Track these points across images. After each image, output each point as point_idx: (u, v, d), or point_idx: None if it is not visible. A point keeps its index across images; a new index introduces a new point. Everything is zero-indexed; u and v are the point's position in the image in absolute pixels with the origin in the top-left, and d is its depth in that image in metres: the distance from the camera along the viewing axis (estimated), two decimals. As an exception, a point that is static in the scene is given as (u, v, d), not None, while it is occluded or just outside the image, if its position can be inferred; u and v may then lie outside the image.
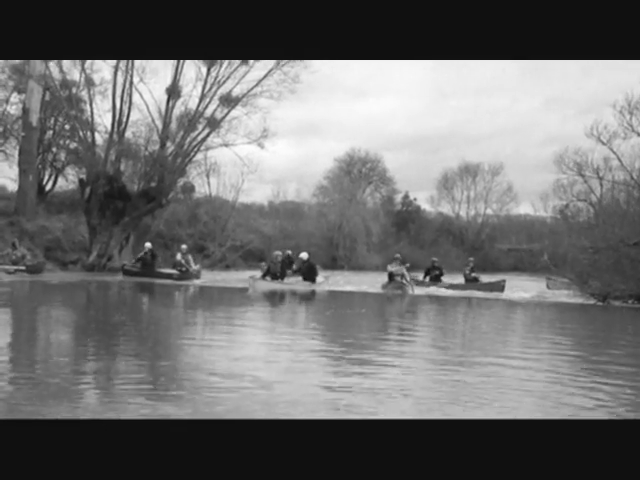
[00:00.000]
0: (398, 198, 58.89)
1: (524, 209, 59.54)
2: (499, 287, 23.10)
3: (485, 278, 25.22)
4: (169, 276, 22.98)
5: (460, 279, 25.09)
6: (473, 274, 24.68)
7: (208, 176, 42.19)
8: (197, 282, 22.97)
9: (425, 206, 60.44)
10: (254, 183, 61.82)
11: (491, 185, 59.11)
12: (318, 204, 53.69)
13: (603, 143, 21.44)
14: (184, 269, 23.39)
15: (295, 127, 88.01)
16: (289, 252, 26.85)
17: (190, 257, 23.97)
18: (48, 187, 35.92)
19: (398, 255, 22.94)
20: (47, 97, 30.87)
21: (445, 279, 24.98)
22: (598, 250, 18.69)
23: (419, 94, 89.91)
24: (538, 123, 79.02)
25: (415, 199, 58.66)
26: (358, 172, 59.02)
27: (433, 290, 22.53)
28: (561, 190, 48.37)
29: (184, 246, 24.13)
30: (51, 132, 34.48)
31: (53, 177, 36.11)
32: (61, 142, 34.09)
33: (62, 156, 34.98)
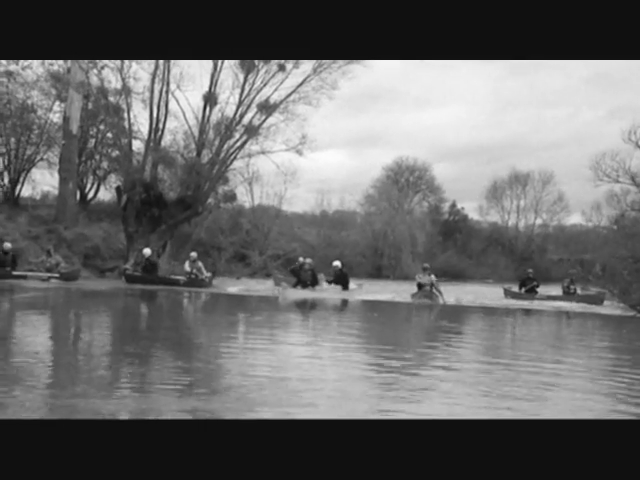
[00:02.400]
0: (445, 207, 58.22)
1: (576, 219, 58.56)
2: (598, 300, 21.78)
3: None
4: (176, 282, 22.67)
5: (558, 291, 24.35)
6: (572, 286, 23.80)
7: (250, 184, 42.04)
8: (210, 290, 22.74)
9: (474, 215, 59.69)
10: (300, 191, 61.69)
11: (541, 194, 58.05)
12: (364, 213, 53.34)
13: None
14: (193, 276, 23.01)
15: (354, 137, 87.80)
16: (302, 260, 26.69)
17: (201, 264, 23.56)
18: (90, 195, 36.23)
19: (427, 265, 22.36)
20: (90, 105, 31.19)
21: (540, 290, 24.30)
22: (638, 260, 17.93)
23: (482, 104, 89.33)
24: (601, 133, 77.51)
25: (462, 208, 57.90)
26: (406, 181, 58.55)
27: (528, 303, 21.74)
28: (614, 200, 47.33)
29: (193, 254, 23.72)
30: (93, 140, 34.79)
31: (95, 185, 36.42)
32: (103, 150, 34.31)
33: (104, 164, 35.22)
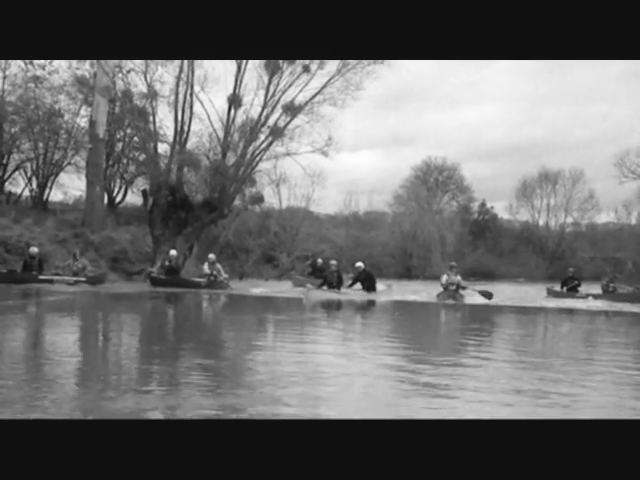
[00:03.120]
0: (475, 207, 57.92)
1: (608, 217, 57.96)
2: (636, 298, 21.51)
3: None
4: (197, 285, 22.56)
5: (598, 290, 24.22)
6: (612, 285, 23.64)
7: (278, 186, 42.07)
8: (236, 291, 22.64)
9: (504, 215, 59.31)
10: (332, 192, 61.63)
11: (572, 193, 57.48)
12: (393, 213, 53.22)
13: None
14: (212, 278, 22.93)
15: (388, 138, 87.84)
16: (320, 260, 26.66)
17: (219, 266, 23.48)
18: (118, 199, 36.46)
19: (453, 263, 22.06)
20: (116, 109, 31.37)
21: (582, 289, 24.35)
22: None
23: (516, 103, 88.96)
24: (635, 131, 76.70)
25: (492, 207, 57.55)
26: (435, 181, 58.35)
27: (570, 302, 21.34)
28: (646, 197, 46.69)
29: (212, 255, 23.56)
30: (120, 144, 35.00)
31: (123, 189, 36.65)
32: (130, 154, 34.51)
33: (132, 168, 35.43)
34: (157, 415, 4.80)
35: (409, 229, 49.52)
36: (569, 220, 58.81)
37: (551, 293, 24.33)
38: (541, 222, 59.54)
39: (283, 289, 23.34)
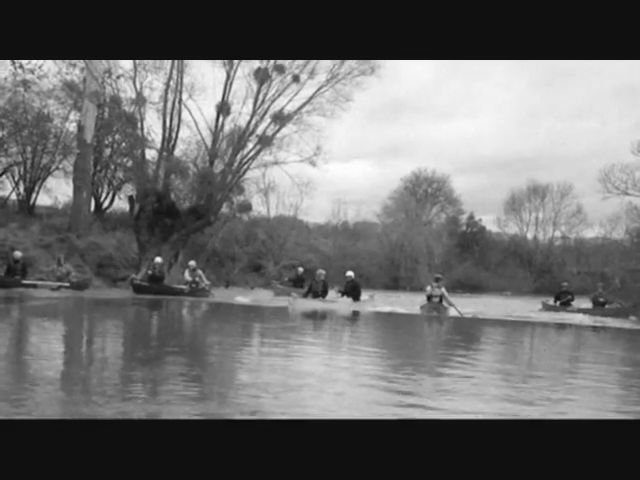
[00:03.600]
0: (463, 219, 58.02)
1: (595, 232, 58.11)
2: (624, 313, 21.62)
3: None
4: (180, 292, 22.53)
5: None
6: (601, 299, 23.73)
7: (266, 194, 42.06)
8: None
9: (492, 228, 59.45)
10: (323, 201, 61.68)
11: (560, 207, 57.69)
12: (380, 224, 53.26)
13: None
14: (194, 285, 22.90)
15: (380, 148, 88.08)
16: (301, 269, 26.66)
17: (200, 273, 23.49)
18: (106, 204, 36.35)
19: (439, 275, 22.06)
20: (105, 115, 31.30)
21: (575, 304, 24.51)
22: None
23: (508, 117, 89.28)
24: (625, 146, 76.99)
25: (480, 220, 57.66)
26: (424, 192, 58.42)
27: (561, 315, 21.59)
28: (634, 212, 46.80)
29: (192, 262, 23.61)
30: (109, 150, 34.92)
31: (110, 195, 36.55)
32: (118, 160, 34.42)
33: (119, 174, 35.34)
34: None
35: (397, 240, 49.54)
36: (557, 234, 59.01)
37: (545, 307, 24.55)
38: (529, 235, 59.74)
39: (268, 298, 23.31)
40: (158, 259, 23.36)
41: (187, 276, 23.01)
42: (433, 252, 49.56)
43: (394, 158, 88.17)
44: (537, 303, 26.91)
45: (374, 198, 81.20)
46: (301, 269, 26.82)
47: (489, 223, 59.98)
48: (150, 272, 23.02)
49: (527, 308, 24.85)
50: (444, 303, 20.42)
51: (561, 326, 18.20)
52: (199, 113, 26.21)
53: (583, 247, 58.02)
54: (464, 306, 21.28)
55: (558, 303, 24.44)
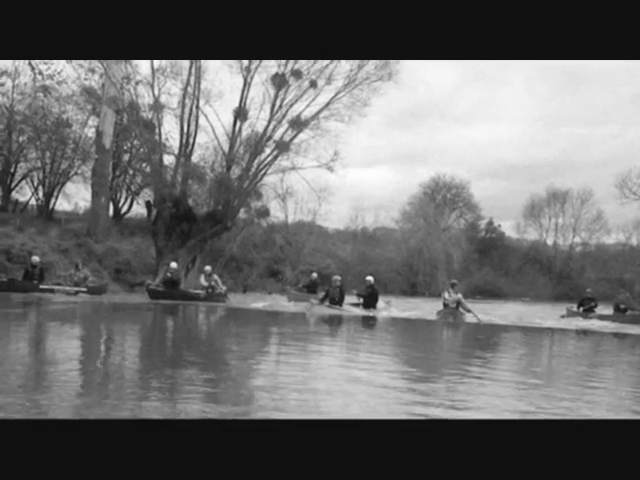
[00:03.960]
0: (482, 225, 57.73)
1: (615, 238, 57.71)
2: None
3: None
4: (196, 297, 22.47)
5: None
6: (622, 305, 23.49)
7: (284, 200, 42.07)
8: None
9: (511, 234, 59.14)
10: (344, 207, 61.70)
11: (580, 213, 57.27)
12: (399, 229, 53.09)
13: None
14: (210, 290, 22.85)
15: (402, 154, 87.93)
16: (315, 275, 26.54)
17: (216, 277, 23.43)
18: (124, 210, 36.52)
19: (455, 281, 21.92)
20: (124, 120, 31.47)
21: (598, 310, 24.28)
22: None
23: (529, 123, 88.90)
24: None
25: (499, 225, 57.37)
26: (443, 198, 58.21)
27: (581, 322, 21.43)
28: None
29: (208, 267, 23.56)
30: (127, 155, 35.11)
31: (129, 200, 36.72)
32: (136, 165, 34.58)
33: (138, 179, 35.51)
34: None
35: (415, 246, 49.38)
36: (577, 240, 58.59)
37: (569, 313, 24.30)
38: (549, 242, 59.39)
39: (283, 303, 23.25)
40: (173, 264, 23.37)
41: (203, 281, 22.99)
42: (452, 258, 49.31)
43: (414, 164, 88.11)
44: (557, 309, 26.77)
45: (394, 204, 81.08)
46: (315, 275, 26.70)
47: (508, 229, 59.73)
48: (166, 277, 23.03)
49: (549, 314, 24.75)
50: (460, 309, 20.28)
51: (581, 332, 18.05)
52: (216, 119, 26.28)
53: (603, 253, 57.58)
54: (483, 312, 21.15)
55: (581, 309, 24.18)
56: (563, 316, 23.74)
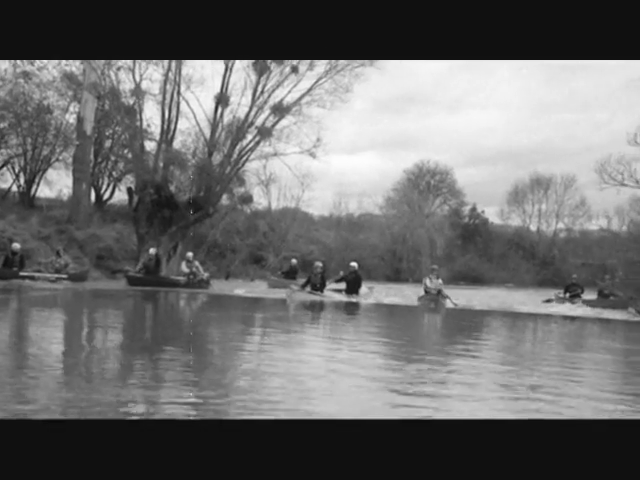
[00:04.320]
0: (466, 211, 57.82)
1: (598, 224, 57.92)
2: (621, 304, 21.37)
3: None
4: (176, 283, 22.41)
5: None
6: (606, 291, 23.67)
7: (267, 186, 42.01)
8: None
9: (496, 220, 59.28)
10: (325, 193, 61.62)
11: (563, 199, 57.48)
12: (383, 216, 53.11)
13: None
14: (192, 277, 22.82)
15: (390, 140, 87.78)
16: (294, 261, 26.61)
17: (198, 264, 23.40)
18: (107, 196, 36.36)
19: (435, 266, 22.09)
20: (106, 106, 31.24)
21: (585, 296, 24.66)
22: (646, 264, 17.69)
23: (518, 109, 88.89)
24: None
25: (483, 211, 57.46)
26: (426, 184, 58.24)
27: (566, 308, 21.68)
28: (639, 204, 46.55)
29: (189, 254, 23.52)
30: (110, 141, 34.91)
31: (111, 186, 36.55)
32: (119, 151, 34.37)
33: (120, 165, 35.30)
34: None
35: (398, 232, 49.44)
36: (560, 226, 58.82)
37: (557, 299, 24.57)
38: (532, 227, 59.60)
39: (265, 290, 23.27)
40: (152, 250, 23.31)
41: (184, 268, 22.96)
42: (435, 244, 49.44)
43: (403, 150, 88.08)
44: (540, 295, 26.99)
45: (378, 190, 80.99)
46: (294, 261, 26.75)
47: (493, 215, 59.86)
48: (145, 264, 22.98)
49: (533, 300, 25.09)
50: (442, 295, 20.39)
51: (553, 318, 18.18)
52: (198, 105, 26.14)
53: (586, 239, 57.83)
54: (468, 298, 21.32)
55: (568, 295, 24.54)
56: (550, 300, 23.94)
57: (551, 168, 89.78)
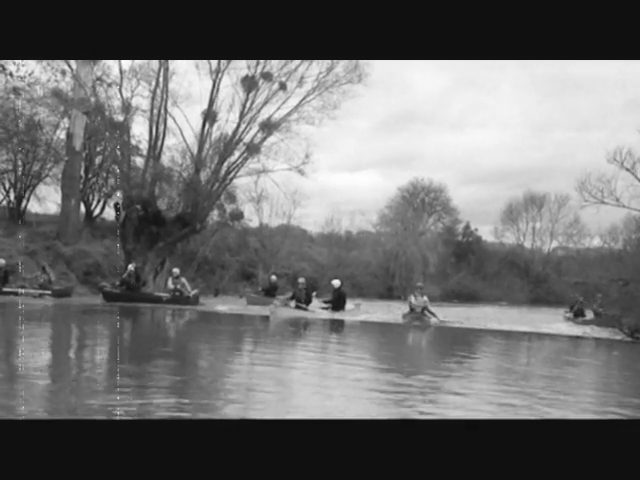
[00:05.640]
0: (460, 229, 57.71)
1: (594, 243, 57.82)
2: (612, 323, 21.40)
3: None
4: (158, 299, 22.32)
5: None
6: (601, 309, 23.71)
7: (259, 202, 41.92)
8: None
9: (490, 238, 59.18)
10: (324, 210, 61.56)
11: (557, 217, 57.40)
12: (376, 233, 53.04)
13: (627, 169, 19.73)
14: (177, 293, 22.75)
15: (389, 158, 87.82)
16: (274, 278, 26.56)
17: (184, 281, 23.41)
18: (97, 212, 36.32)
19: (421, 284, 22.12)
20: (97, 122, 31.22)
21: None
22: (627, 282, 17.61)
23: (518, 128, 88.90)
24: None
25: (476, 229, 57.35)
26: (421, 201, 58.13)
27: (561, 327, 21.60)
28: (633, 223, 46.52)
29: (175, 270, 23.58)
30: (100, 157, 34.91)
31: (102, 202, 36.52)
32: (109, 167, 34.36)
33: (111, 181, 35.27)
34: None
35: (391, 249, 49.35)
36: (554, 244, 58.75)
37: (565, 319, 24.81)
38: (527, 245, 59.47)
39: (249, 307, 23.17)
40: (130, 266, 23.28)
41: (170, 284, 22.91)
42: (428, 261, 49.35)
43: (402, 169, 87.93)
44: (534, 314, 27.14)
45: (373, 207, 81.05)
46: (274, 277, 26.74)
47: (487, 234, 59.74)
48: (124, 279, 22.85)
49: (533, 319, 24.92)
50: (426, 312, 20.32)
51: (544, 336, 18.16)
52: (184, 120, 26.17)
53: (580, 257, 57.75)
54: (466, 317, 21.36)
55: (572, 315, 24.85)
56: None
57: (549, 186, 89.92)
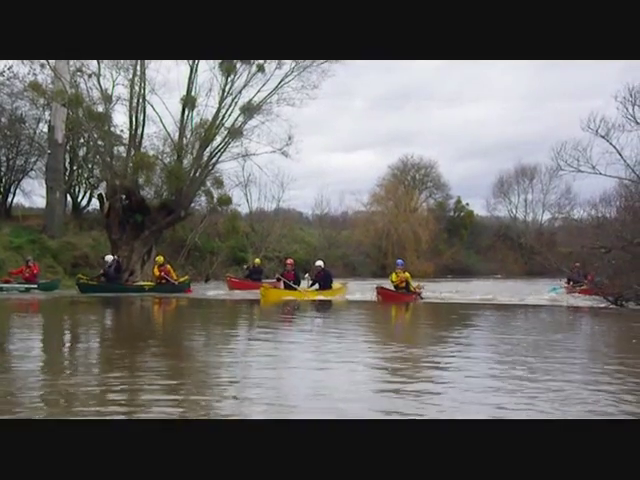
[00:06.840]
0: (451, 204, 57.66)
1: (586, 212, 57.60)
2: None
3: None
4: (140, 289, 22.27)
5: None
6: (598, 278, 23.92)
7: (247, 187, 41.87)
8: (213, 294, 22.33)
9: (481, 212, 59.14)
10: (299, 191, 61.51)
11: (549, 188, 57.28)
12: (367, 212, 52.99)
13: (602, 136, 19.59)
14: (164, 281, 22.69)
15: (385, 137, 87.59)
16: (258, 261, 26.55)
17: (169, 268, 23.31)
18: (83, 204, 36.28)
19: (400, 261, 21.94)
20: (79, 114, 31.07)
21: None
22: (609, 250, 17.53)
23: (514, 101, 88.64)
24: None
25: (467, 204, 57.31)
26: (412, 179, 58.07)
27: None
28: (626, 190, 46.42)
29: (159, 258, 23.46)
30: (84, 148, 34.81)
31: (88, 194, 36.44)
32: (94, 159, 34.27)
33: (96, 172, 35.19)
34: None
35: (383, 227, 49.38)
36: (547, 216, 58.69)
37: (568, 290, 24.51)
38: (520, 216, 59.45)
39: (236, 292, 23.15)
40: (108, 257, 23.22)
41: (155, 272, 22.86)
42: (420, 238, 49.38)
43: (399, 146, 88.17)
44: (528, 285, 26.97)
45: (364, 186, 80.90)
46: (258, 260, 26.81)
47: (479, 207, 59.76)
48: (103, 270, 22.78)
49: (533, 290, 25.23)
50: (411, 289, 20.25)
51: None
52: (164, 108, 26.02)
53: (573, 227, 57.66)
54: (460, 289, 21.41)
55: (571, 284, 24.61)
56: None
57: (543, 158, 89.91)
